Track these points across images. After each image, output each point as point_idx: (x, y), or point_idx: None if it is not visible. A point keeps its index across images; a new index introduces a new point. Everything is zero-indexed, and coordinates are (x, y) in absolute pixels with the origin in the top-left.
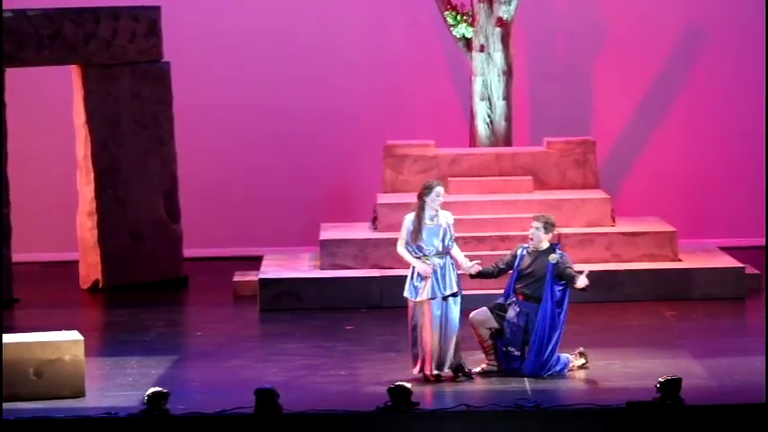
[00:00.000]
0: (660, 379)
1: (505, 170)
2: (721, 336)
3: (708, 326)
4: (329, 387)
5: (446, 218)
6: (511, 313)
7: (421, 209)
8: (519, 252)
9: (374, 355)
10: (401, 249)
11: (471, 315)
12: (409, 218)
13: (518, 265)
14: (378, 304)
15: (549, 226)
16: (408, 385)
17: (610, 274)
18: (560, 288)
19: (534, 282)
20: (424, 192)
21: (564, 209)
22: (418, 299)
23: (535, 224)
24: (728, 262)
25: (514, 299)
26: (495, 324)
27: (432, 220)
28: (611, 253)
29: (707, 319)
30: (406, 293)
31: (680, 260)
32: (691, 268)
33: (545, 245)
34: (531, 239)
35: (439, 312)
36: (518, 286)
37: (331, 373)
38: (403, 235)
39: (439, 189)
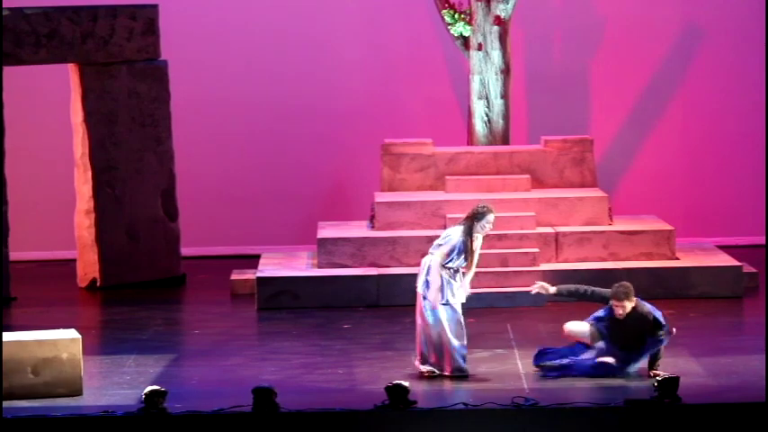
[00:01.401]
0: (658, 377)
1: (503, 169)
2: (719, 334)
3: (705, 324)
4: (327, 385)
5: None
6: (601, 345)
7: (469, 232)
8: (606, 313)
9: (372, 353)
10: (438, 268)
11: (569, 325)
12: (457, 238)
13: (608, 328)
14: (375, 303)
15: (629, 294)
16: (406, 384)
17: (607, 272)
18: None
19: (629, 338)
20: (477, 216)
21: (561, 207)
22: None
23: (622, 305)
24: (726, 260)
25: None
26: (585, 338)
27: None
28: (609, 251)
29: (704, 318)
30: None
31: (677, 259)
32: (688, 267)
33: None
34: (620, 314)
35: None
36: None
37: (328, 372)
38: (444, 250)
39: (490, 217)
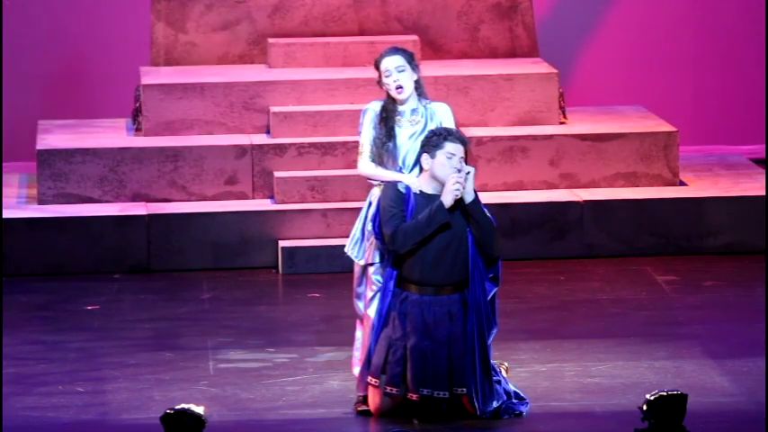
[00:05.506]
0: (648, 396)
1: (371, 23)
2: (754, 317)
3: (731, 301)
4: None
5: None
6: None
7: (386, 102)
8: None
9: None
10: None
11: None
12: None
13: None
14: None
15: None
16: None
17: (557, 208)
18: None
19: None
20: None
21: (476, 93)
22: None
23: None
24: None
25: None
26: None
27: (411, 116)
28: (560, 171)
29: (730, 289)
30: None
31: (683, 183)
32: (703, 198)
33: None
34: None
35: None
36: None
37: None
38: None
39: (388, 60)
